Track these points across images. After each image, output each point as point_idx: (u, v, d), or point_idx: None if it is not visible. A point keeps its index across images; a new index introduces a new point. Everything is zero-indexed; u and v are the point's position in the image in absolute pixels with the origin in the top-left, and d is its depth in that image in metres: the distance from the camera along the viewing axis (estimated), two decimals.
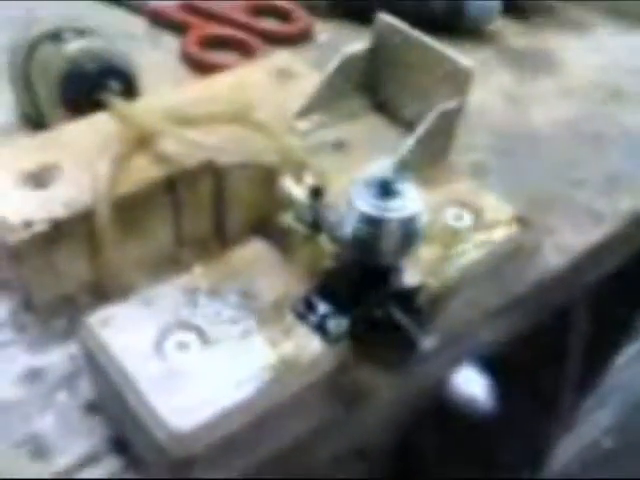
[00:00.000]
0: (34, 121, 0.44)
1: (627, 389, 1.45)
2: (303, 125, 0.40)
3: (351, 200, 0.29)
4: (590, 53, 0.62)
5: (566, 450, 1.36)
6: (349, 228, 0.29)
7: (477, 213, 0.37)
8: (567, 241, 0.44)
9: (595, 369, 0.90)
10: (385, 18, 0.41)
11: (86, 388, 0.33)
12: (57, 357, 0.34)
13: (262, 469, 0.31)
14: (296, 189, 0.33)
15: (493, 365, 0.31)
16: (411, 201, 0.28)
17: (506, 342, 0.44)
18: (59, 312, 0.36)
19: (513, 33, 0.63)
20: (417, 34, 0.39)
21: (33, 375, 0.34)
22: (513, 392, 0.86)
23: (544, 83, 0.58)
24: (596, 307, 0.69)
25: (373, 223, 0.28)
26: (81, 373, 0.33)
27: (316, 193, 0.31)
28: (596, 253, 0.45)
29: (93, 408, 0.32)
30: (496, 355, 0.43)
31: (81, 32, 0.42)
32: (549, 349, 0.71)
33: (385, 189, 0.28)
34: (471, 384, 0.27)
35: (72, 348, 0.34)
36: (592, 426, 1.45)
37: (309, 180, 0.33)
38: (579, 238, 0.44)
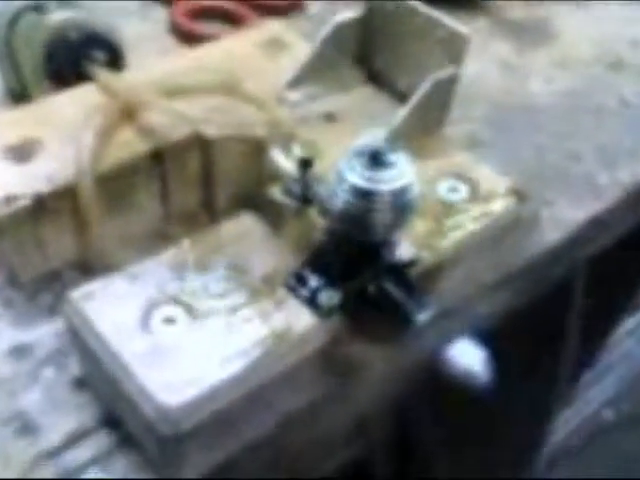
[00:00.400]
0: (19, 95, 0.43)
1: (626, 362, 1.45)
2: (293, 96, 0.39)
3: (341, 172, 0.28)
4: (588, 24, 0.61)
5: (566, 423, 1.36)
6: (339, 201, 0.28)
7: (472, 185, 0.36)
8: (565, 214, 0.43)
9: (594, 342, 0.89)
10: None
11: (74, 364, 0.32)
12: (44, 333, 0.33)
13: (255, 447, 0.30)
14: (285, 161, 0.32)
15: (491, 340, 0.31)
16: (403, 172, 0.27)
17: (504, 316, 0.43)
18: (45, 288, 0.35)
19: (510, 4, 0.62)
20: (410, 1, 0.38)
21: (19, 351, 0.33)
22: (512, 368, 0.86)
23: (542, 54, 0.57)
24: (595, 280, 0.69)
25: (364, 195, 0.27)
26: (68, 349, 0.32)
27: (305, 164, 0.30)
28: (595, 226, 0.44)
29: (81, 384, 0.32)
30: (494, 330, 0.42)
31: (64, 3, 0.41)
32: (548, 323, 0.70)
33: (376, 160, 0.27)
34: (468, 356, 0.27)
35: (59, 324, 0.33)
36: (592, 399, 1.46)
37: (298, 152, 0.32)
38: (578, 211, 0.44)
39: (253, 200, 0.35)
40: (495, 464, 0.97)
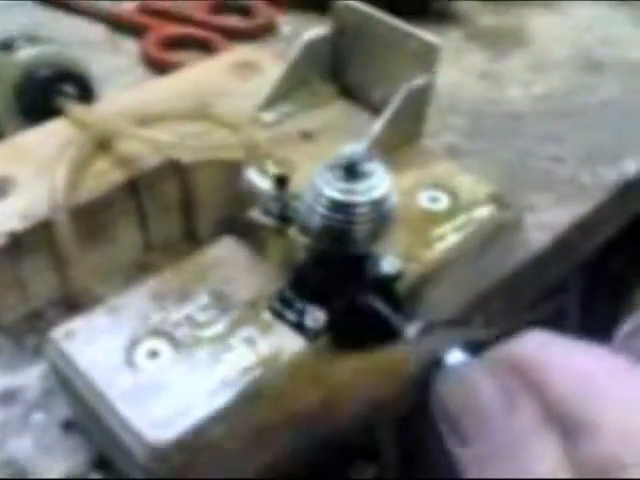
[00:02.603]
0: None
1: None
2: (268, 117, 0.38)
3: (317, 186, 0.27)
4: (561, 26, 0.61)
5: None
6: (318, 216, 0.27)
7: (453, 194, 0.36)
8: (550, 217, 0.43)
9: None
10: (344, 2, 0.39)
11: (62, 406, 0.31)
12: (30, 377, 0.33)
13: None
14: (261, 181, 0.32)
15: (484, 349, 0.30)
16: (380, 181, 0.27)
17: (498, 324, 0.43)
18: (29, 329, 0.34)
19: (481, 13, 0.62)
20: (377, 13, 0.38)
21: (7, 397, 0.32)
22: None
23: (517, 60, 0.57)
24: (592, 282, 0.68)
25: (342, 208, 0.27)
26: (55, 391, 0.31)
27: (280, 182, 0.30)
28: (582, 227, 0.44)
29: (71, 426, 0.31)
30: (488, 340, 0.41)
31: (33, 39, 0.41)
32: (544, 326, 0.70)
33: (351, 171, 0.27)
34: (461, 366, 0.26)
35: (44, 366, 0.32)
36: None
37: (273, 170, 0.31)
38: (562, 214, 0.43)
39: (234, 223, 0.34)
40: None
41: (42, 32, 0.45)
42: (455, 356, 0.26)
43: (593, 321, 0.81)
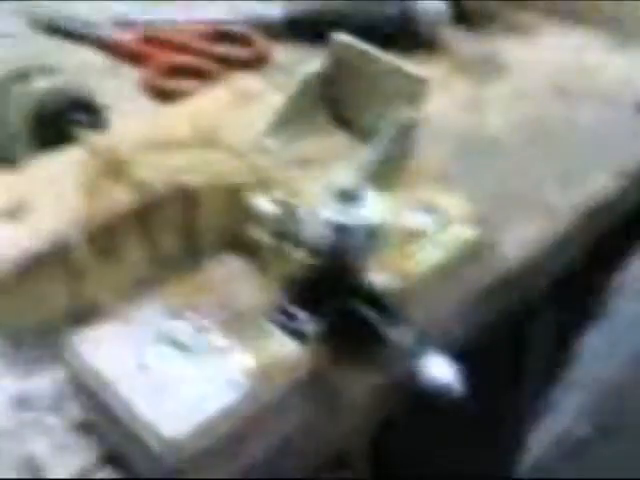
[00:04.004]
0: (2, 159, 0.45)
1: (594, 378, 1.48)
2: (270, 143, 0.41)
3: (316, 210, 0.30)
4: (537, 54, 0.65)
5: (540, 441, 1.37)
6: (316, 236, 0.30)
7: (438, 214, 0.39)
8: (525, 236, 0.46)
9: (560, 357, 0.92)
10: (339, 37, 0.43)
11: (74, 409, 0.34)
12: (44, 383, 0.35)
13: (253, 472, 0.32)
14: (265, 204, 0.35)
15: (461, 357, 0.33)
16: (373, 205, 0.30)
17: (477, 335, 0.46)
18: (43, 341, 0.37)
19: (462, 40, 0.65)
20: (371, 50, 0.42)
21: (23, 402, 0.35)
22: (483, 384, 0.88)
23: (497, 87, 0.60)
24: (561, 297, 0.72)
25: (339, 231, 0.30)
26: (68, 396, 0.34)
27: (284, 207, 0.33)
28: (553, 246, 0.47)
29: (83, 428, 0.33)
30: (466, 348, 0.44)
31: (45, 70, 0.44)
32: (513, 337, 0.73)
33: (347, 196, 0.30)
34: (441, 370, 0.29)
35: (58, 373, 0.35)
36: (564, 414, 1.47)
37: (278, 195, 0.34)
38: (536, 232, 0.47)
39: (236, 243, 0.37)
40: None
41: (48, 61, 0.48)
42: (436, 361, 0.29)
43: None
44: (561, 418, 1.46)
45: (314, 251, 0.31)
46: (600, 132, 0.56)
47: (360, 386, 0.35)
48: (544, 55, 0.65)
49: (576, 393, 1.44)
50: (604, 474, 1.40)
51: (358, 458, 0.94)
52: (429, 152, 0.50)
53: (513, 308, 0.48)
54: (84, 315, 0.37)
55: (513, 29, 0.68)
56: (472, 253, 0.39)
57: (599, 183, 0.51)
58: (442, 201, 0.40)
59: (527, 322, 0.70)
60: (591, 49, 0.66)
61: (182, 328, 0.32)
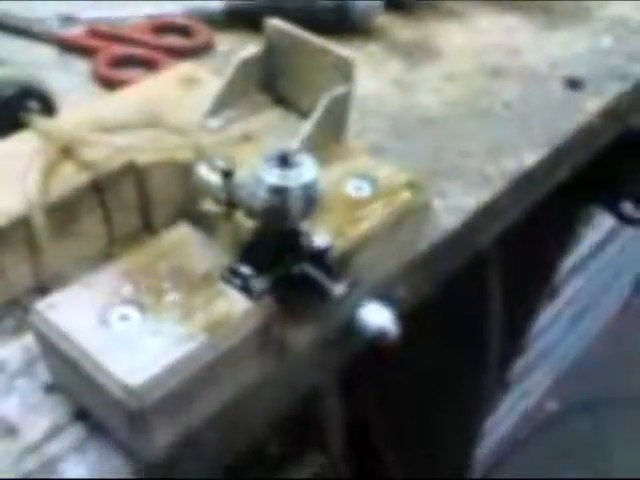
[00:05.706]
0: None
1: (557, 351, 1.53)
2: (212, 123, 0.44)
3: (257, 175, 0.33)
4: (470, 37, 0.68)
5: (509, 415, 1.43)
6: (258, 199, 0.33)
7: (375, 182, 0.42)
8: (459, 202, 0.50)
9: (518, 328, 0.96)
10: (272, 22, 0.46)
11: (42, 373, 0.36)
12: (12, 351, 0.38)
13: (213, 420, 0.35)
14: (210, 175, 0.38)
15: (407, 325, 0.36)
16: (308, 169, 0.33)
17: (419, 301, 0.49)
18: (9, 313, 0.39)
19: (398, 27, 0.69)
20: (301, 33, 0.45)
21: None
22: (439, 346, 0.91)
23: (430, 70, 0.64)
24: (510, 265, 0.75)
25: (278, 192, 0.33)
26: (35, 361, 0.37)
27: (226, 174, 0.36)
28: (487, 212, 0.51)
29: (52, 389, 0.36)
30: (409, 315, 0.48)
31: None
32: (468, 306, 0.77)
33: (285, 162, 0.33)
34: (378, 316, 0.32)
35: (24, 341, 0.38)
36: (532, 389, 1.53)
37: (220, 165, 0.37)
38: (470, 199, 0.50)
39: (188, 215, 0.40)
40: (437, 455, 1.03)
41: None
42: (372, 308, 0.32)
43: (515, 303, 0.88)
44: (529, 393, 1.51)
45: (256, 214, 0.34)
46: (529, 108, 0.60)
47: (304, 336, 0.38)
48: (476, 38, 0.69)
49: (541, 370, 1.49)
50: (573, 450, 1.46)
51: (332, 439, 0.98)
52: (365, 129, 0.54)
53: (455, 270, 0.51)
54: (47, 290, 0.39)
55: (447, 15, 0.72)
56: (408, 217, 0.42)
57: (530, 157, 0.55)
58: (377, 171, 0.43)
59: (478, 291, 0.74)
60: (522, 31, 0.70)
61: (139, 290, 0.35)
